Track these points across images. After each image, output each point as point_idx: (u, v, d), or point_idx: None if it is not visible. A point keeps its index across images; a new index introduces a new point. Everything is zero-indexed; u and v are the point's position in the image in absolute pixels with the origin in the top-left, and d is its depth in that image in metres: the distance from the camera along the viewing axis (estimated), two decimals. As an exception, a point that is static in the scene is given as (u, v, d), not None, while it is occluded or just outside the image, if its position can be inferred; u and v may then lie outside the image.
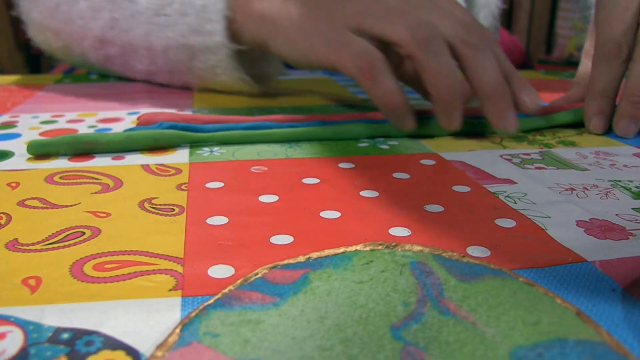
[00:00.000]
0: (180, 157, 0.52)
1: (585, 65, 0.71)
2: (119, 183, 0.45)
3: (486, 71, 0.55)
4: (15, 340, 0.26)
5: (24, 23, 0.81)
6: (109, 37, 0.72)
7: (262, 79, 0.76)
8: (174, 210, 0.40)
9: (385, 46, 0.57)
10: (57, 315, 0.28)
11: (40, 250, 0.34)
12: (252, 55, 0.73)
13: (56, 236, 0.36)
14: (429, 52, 0.54)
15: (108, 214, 0.40)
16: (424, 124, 0.59)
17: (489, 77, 0.55)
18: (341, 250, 0.33)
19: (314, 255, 0.33)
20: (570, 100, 0.69)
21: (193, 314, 0.27)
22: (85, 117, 0.65)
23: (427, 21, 0.55)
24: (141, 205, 0.41)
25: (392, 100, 0.56)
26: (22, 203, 0.41)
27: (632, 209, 0.42)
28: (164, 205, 0.41)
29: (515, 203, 0.42)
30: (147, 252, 0.34)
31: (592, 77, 0.63)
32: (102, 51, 0.76)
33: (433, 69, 0.54)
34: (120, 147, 0.52)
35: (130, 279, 0.31)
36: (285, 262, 0.32)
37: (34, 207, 0.41)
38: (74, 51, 0.79)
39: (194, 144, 0.55)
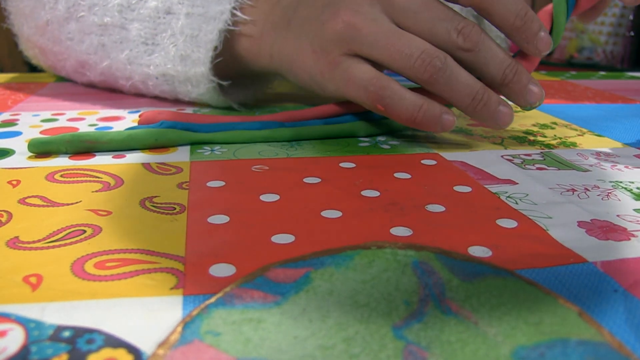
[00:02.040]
0: (181, 155, 0.52)
1: None
2: (119, 181, 0.45)
3: (489, 65, 0.54)
4: (16, 338, 0.26)
5: (15, 36, 0.80)
6: (92, 62, 0.71)
7: (255, 93, 0.75)
8: (175, 209, 0.40)
9: None
10: (58, 313, 0.28)
11: (41, 248, 0.34)
12: (241, 81, 0.73)
13: (57, 234, 0.36)
14: (440, 85, 0.53)
15: (109, 212, 0.40)
16: None
17: (494, 69, 0.54)
18: (343, 249, 0.33)
19: (316, 254, 0.33)
20: None
21: (194, 312, 0.27)
22: (86, 116, 0.65)
23: (425, 51, 0.53)
24: (142, 203, 0.41)
25: (416, 117, 0.54)
26: (22, 201, 0.41)
27: (634, 210, 0.42)
28: (165, 203, 0.41)
29: (517, 203, 0.42)
30: (148, 250, 0.34)
31: None
32: (84, 77, 0.75)
33: (451, 96, 0.54)
34: (121, 146, 0.52)
35: (132, 277, 0.31)
36: (287, 260, 0.32)
37: (34, 205, 0.41)
38: (60, 73, 0.79)
39: (195, 143, 0.55)
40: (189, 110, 0.68)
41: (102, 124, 0.62)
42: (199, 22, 0.63)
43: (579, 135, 0.61)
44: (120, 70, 0.70)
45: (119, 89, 0.75)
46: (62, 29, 0.71)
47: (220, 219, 0.39)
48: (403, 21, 0.54)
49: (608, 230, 0.38)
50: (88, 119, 0.64)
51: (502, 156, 0.53)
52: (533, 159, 0.53)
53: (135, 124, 0.60)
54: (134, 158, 0.51)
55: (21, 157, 0.51)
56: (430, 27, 0.53)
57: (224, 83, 0.66)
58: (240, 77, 0.70)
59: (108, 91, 0.76)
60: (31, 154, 0.51)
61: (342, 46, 0.55)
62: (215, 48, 0.63)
